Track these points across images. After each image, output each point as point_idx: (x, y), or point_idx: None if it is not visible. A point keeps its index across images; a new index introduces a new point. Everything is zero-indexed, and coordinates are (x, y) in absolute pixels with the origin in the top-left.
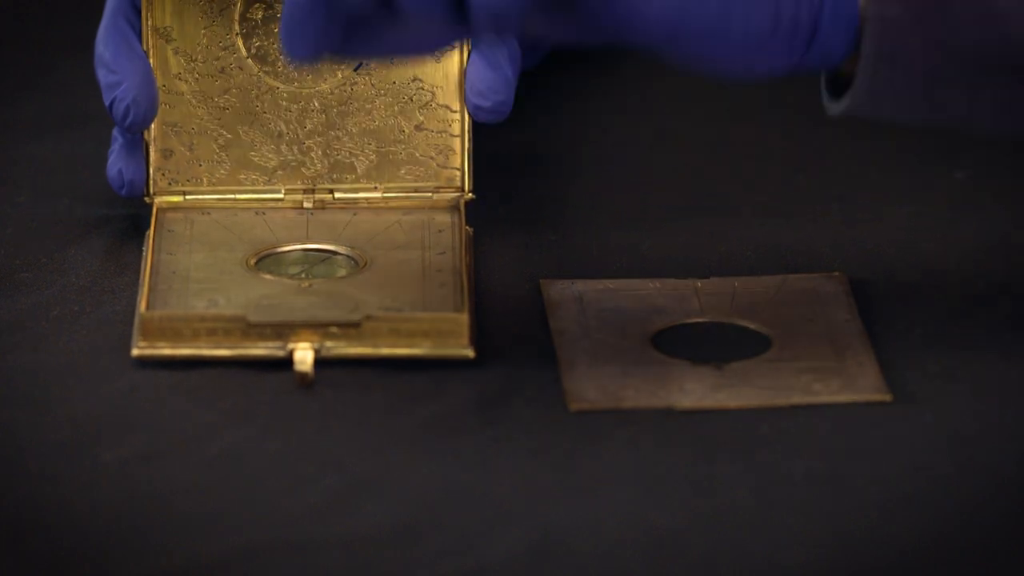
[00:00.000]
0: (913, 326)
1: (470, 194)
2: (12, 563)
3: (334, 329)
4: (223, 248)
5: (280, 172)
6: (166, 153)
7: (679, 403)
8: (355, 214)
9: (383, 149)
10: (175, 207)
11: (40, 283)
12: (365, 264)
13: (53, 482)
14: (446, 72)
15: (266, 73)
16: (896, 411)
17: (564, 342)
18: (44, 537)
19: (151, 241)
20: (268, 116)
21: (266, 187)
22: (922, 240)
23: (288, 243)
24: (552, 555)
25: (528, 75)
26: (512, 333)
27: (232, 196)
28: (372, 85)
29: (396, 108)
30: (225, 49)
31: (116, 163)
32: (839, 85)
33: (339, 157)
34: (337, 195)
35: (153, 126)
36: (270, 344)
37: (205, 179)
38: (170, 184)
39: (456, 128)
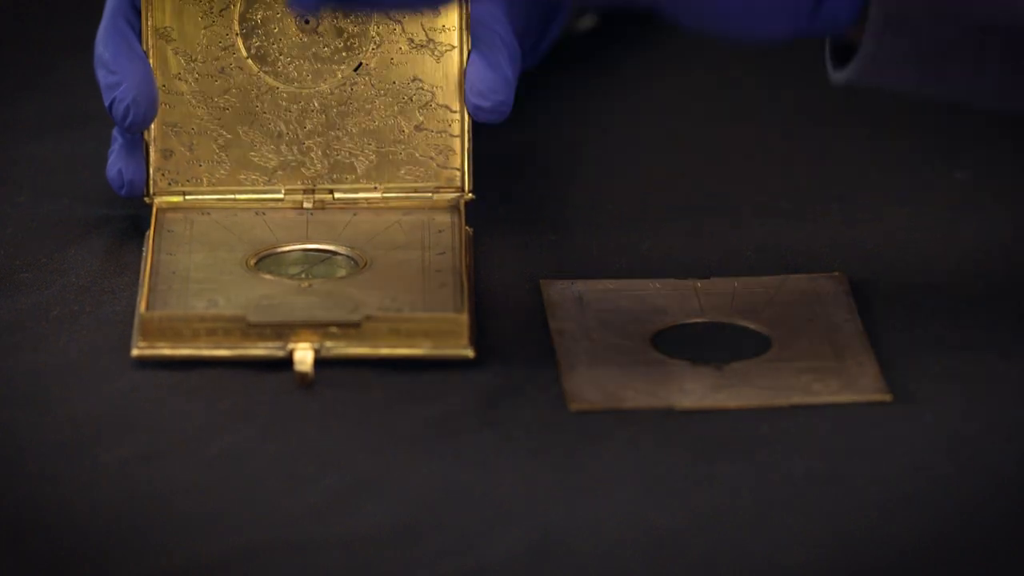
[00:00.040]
0: (913, 326)
1: (470, 194)
2: (12, 563)
3: (334, 329)
4: (223, 248)
5: (280, 172)
6: (166, 153)
7: (679, 403)
8: (355, 214)
9: (383, 149)
10: (175, 207)
11: (40, 283)
12: (365, 264)
13: (53, 482)
14: (446, 72)
15: (266, 73)
16: (896, 411)
17: (564, 342)
18: (44, 537)
19: (151, 241)
20: (268, 116)
21: (266, 187)
22: (922, 240)
23: (288, 243)
24: (552, 555)
25: (528, 75)
26: (512, 333)
27: (232, 196)
28: (372, 85)
29: (396, 108)
30: (225, 49)
31: (116, 163)
32: (844, 54)
33: (339, 157)
34: (337, 195)
35: (153, 126)
36: (270, 344)
37: (205, 179)
38: (170, 184)
39: (456, 128)
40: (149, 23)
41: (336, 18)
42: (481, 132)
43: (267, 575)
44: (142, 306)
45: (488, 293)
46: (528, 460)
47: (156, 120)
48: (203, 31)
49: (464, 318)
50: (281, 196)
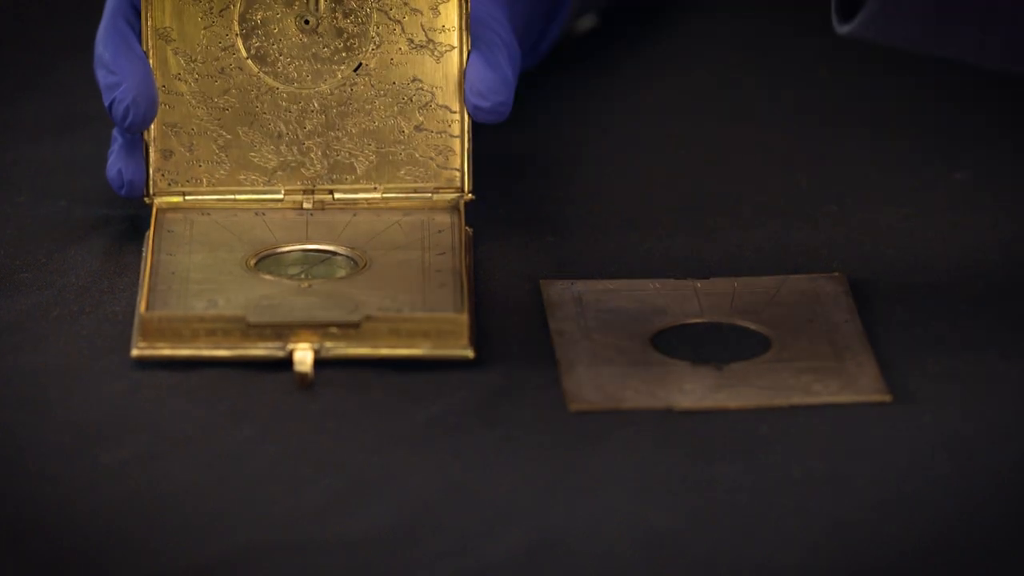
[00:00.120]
0: (913, 326)
1: (470, 195)
2: (12, 563)
3: (334, 330)
4: (223, 249)
5: (280, 173)
6: (166, 154)
7: (679, 403)
8: (355, 215)
9: (383, 150)
10: (175, 208)
11: (40, 284)
12: (365, 265)
13: (53, 482)
14: (446, 73)
15: (266, 74)
16: (896, 411)
17: (564, 342)
18: (44, 537)
19: (151, 242)
20: (268, 117)
21: (266, 188)
22: (922, 240)
23: (288, 244)
24: (552, 555)
25: (528, 75)
26: (512, 333)
27: (232, 197)
28: (372, 86)
29: (396, 109)
30: (225, 50)
31: (116, 164)
32: (850, 4)
33: (339, 158)
34: (337, 196)
35: (153, 127)
36: (270, 345)
37: (205, 180)
38: (170, 185)
39: (456, 129)
40: (149, 23)
41: (336, 18)
42: (481, 132)
43: (267, 575)
44: (142, 306)
45: (488, 293)
46: (528, 460)
47: (156, 120)
48: (203, 31)
49: (464, 318)
50: (281, 196)
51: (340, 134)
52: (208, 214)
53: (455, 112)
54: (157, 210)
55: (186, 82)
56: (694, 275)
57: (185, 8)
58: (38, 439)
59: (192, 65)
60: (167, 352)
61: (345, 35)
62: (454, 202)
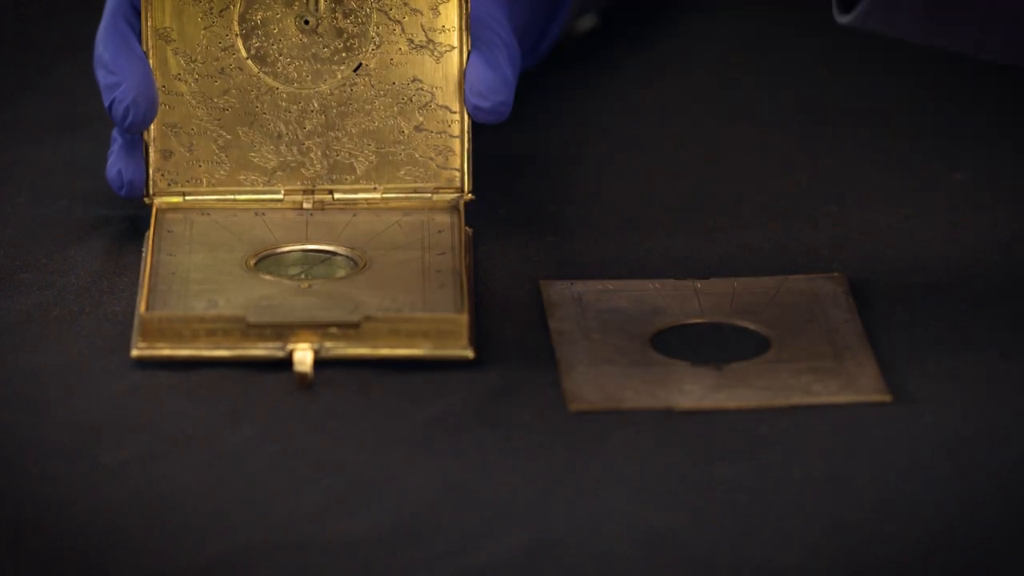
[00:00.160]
0: (913, 326)
1: (470, 195)
2: (12, 563)
3: (333, 330)
4: (222, 249)
5: (280, 173)
6: (166, 154)
7: (678, 404)
8: (354, 215)
9: (383, 150)
10: (175, 208)
11: (40, 284)
12: (364, 265)
13: (53, 482)
14: (445, 73)
15: (266, 74)
16: (896, 411)
17: (563, 343)
18: (44, 537)
19: (151, 242)
20: (268, 117)
21: (265, 188)
22: (922, 240)
23: (287, 244)
24: (552, 555)
25: (528, 75)
26: (511, 334)
27: (232, 197)
28: (372, 86)
29: (396, 109)
30: (224, 50)
31: (116, 164)
32: None
33: (338, 158)
34: (336, 196)
35: (153, 127)
36: (269, 345)
37: (205, 180)
38: (170, 185)
39: (456, 129)
40: (149, 24)
41: (336, 18)
42: (481, 132)
43: (267, 575)
44: (142, 307)
45: (488, 293)
46: (528, 460)
47: (156, 121)
48: (203, 32)
49: (464, 318)
50: (281, 197)
51: (340, 134)
52: (208, 214)
53: (455, 112)
54: (157, 210)
55: (186, 82)
56: (694, 275)
57: (185, 8)
58: (38, 439)
59: (192, 65)
60: (167, 352)
61: (345, 35)
62: (454, 202)
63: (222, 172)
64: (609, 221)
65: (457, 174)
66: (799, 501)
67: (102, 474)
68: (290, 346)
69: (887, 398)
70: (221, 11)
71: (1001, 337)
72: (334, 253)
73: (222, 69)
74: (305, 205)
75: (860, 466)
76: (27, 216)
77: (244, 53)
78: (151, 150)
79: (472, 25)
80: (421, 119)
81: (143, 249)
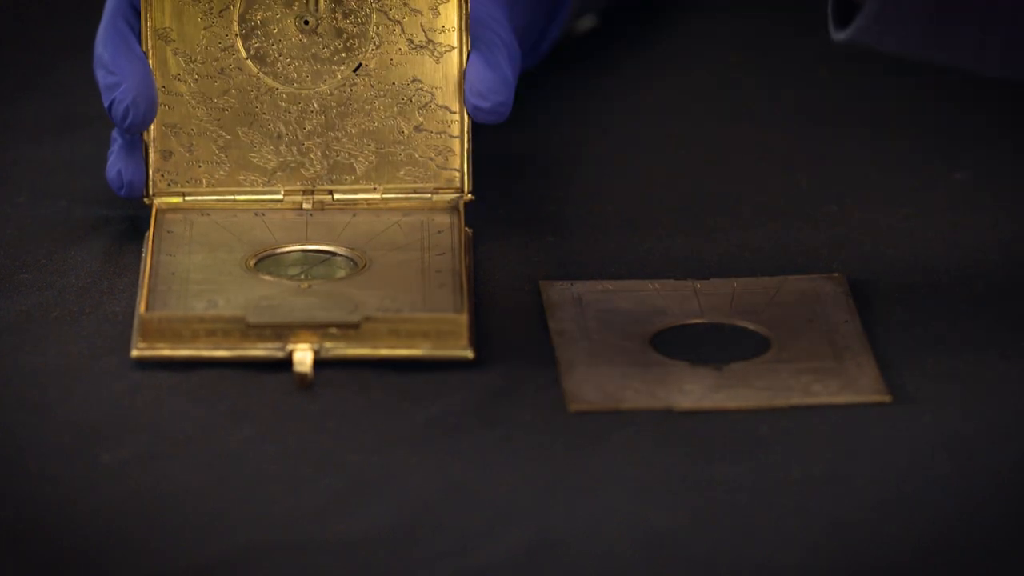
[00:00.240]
0: (913, 326)
1: (469, 195)
2: (12, 563)
3: (333, 330)
4: (222, 249)
5: (279, 173)
6: (165, 154)
7: (678, 404)
8: (354, 215)
9: (382, 150)
10: (174, 208)
11: (40, 284)
12: (364, 265)
13: (53, 483)
14: (445, 73)
15: (265, 74)
16: (896, 411)
17: (563, 343)
18: (44, 537)
19: (150, 242)
20: (267, 117)
21: (265, 188)
22: (922, 240)
23: (287, 244)
24: (552, 555)
25: (528, 75)
26: (511, 334)
27: (231, 197)
28: (371, 86)
29: (395, 109)
30: (224, 50)
31: (115, 164)
32: (846, 11)
33: (338, 158)
34: (336, 196)
35: (152, 127)
36: (269, 345)
37: (204, 180)
38: (169, 185)
39: (455, 129)
40: (148, 24)
41: (336, 19)
42: (481, 132)
43: (267, 575)
44: (142, 307)
45: (488, 293)
46: (528, 460)
47: (155, 121)
48: (203, 32)
49: (463, 319)
50: (280, 197)
51: (340, 134)
52: (208, 215)
53: (455, 112)
54: (157, 211)
55: (186, 83)
56: (694, 275)
57: (185, 8)
58: (38, 439)
59: (192, 66)
60: (167, 352)
61: (345, 35)
62: (454, 202)
63: (222, 172)
64: (609, 221)
65: (457, 174)
66: (799, 501)
67: (102, 474)
68: (290, 346)
69: (887, 398)
70: (221, 11)
71: (1001, 337)
72: (334, 253)
73: (222, 69)
74: (305, 205)
75: (860, 466)
76: (27, 216)
77: (244, 53)
78: (151, 150)
79: (472, 25)
80: (421, 119)
81: (143, 249)
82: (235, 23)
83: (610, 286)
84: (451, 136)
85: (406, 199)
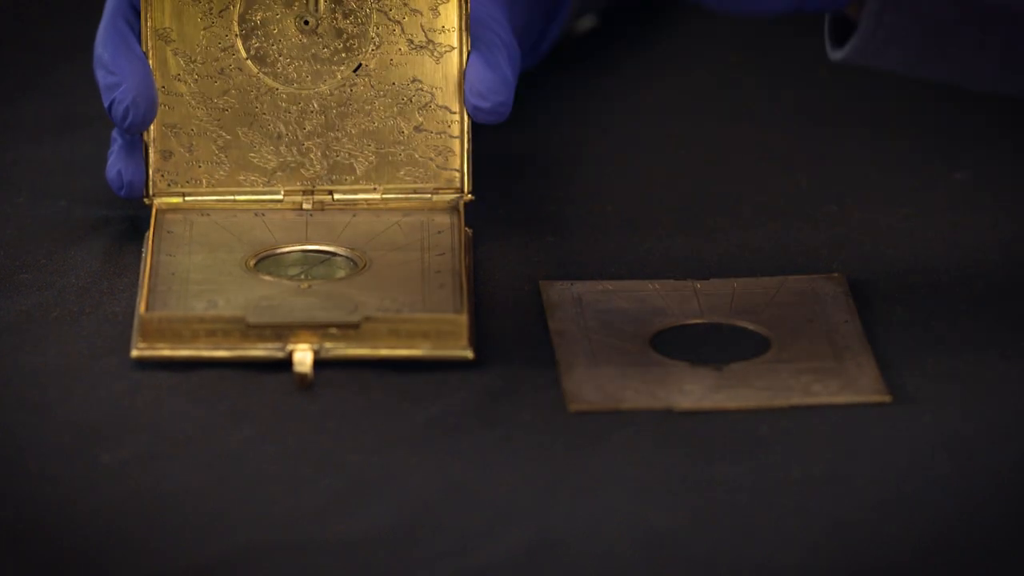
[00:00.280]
0: (913, 326)
1: (469, 195)
2: (12, 563)
3: (333, 330)
4: (222, 249)
5: (279, 173)
6: (165, 154)
7: (678, 404)
8: (354, 215)
9: (382, 150)
10: (174, 208)
11: (40, 284)
12: (364, 265)
13: (53, 483)
14: (445, 73)
15: (265, 74)
16: (896, 411)
17: (563, 343)
18: (44, 537)
19: (150, 242)
20: (267, 117)
21: (265, 188)
22: (922, 240)
23: (287, 244)
24: (552, 555)
25: (528, 75)
26: (511, 334)
27: (231, 197)
28: (371, 86)
29: (395, 109)
30: (224, 50)
31: (115, 164)
32: (842, 31)
33: (338, 158)
34: (336, 196)
35: (152, 127)
36: (269, 345)
37: (204, 180)
38: (169, 185)
39: (455, 129)
40: (148, 24)
41: (336, 19)
42: (481, 132)
43: (267, 575)
44: (142, 307)
45: (488, 294)
46: (528, 460)
47: (155, 121)
48: (202, 32)
49: (463, 319)
50: (280, 197)
51: (340, 135)
52: (208, 215)
53: (455, 113)
54: (157, 211)
55: (186, 83)
56: (694, 275)
57: (185, 9)
58: (38, 439)
59: (192, 66)
60: (167, 353)
61: (345, 36)
62: (454, 203)
63: (222, 173)
64: (609, 221)
65: (457, 175)
66: (799, 501)
67: (102, 474)
68: (290, 346)
69: (887, 398)
70: (221, 11)
71: (1001, 337)
72: (334, 254)
73: (222, 69)
74: (305, 206)
75: (860, 466)
76: (27, 216)
77: (244, 54)
78: (151, 151)
79: (472, 25)
80: (421, 119)
81: (143, 249)
82: (235, 23)
83: (610, 286)
84: (451, 136)
85: (406, 199)
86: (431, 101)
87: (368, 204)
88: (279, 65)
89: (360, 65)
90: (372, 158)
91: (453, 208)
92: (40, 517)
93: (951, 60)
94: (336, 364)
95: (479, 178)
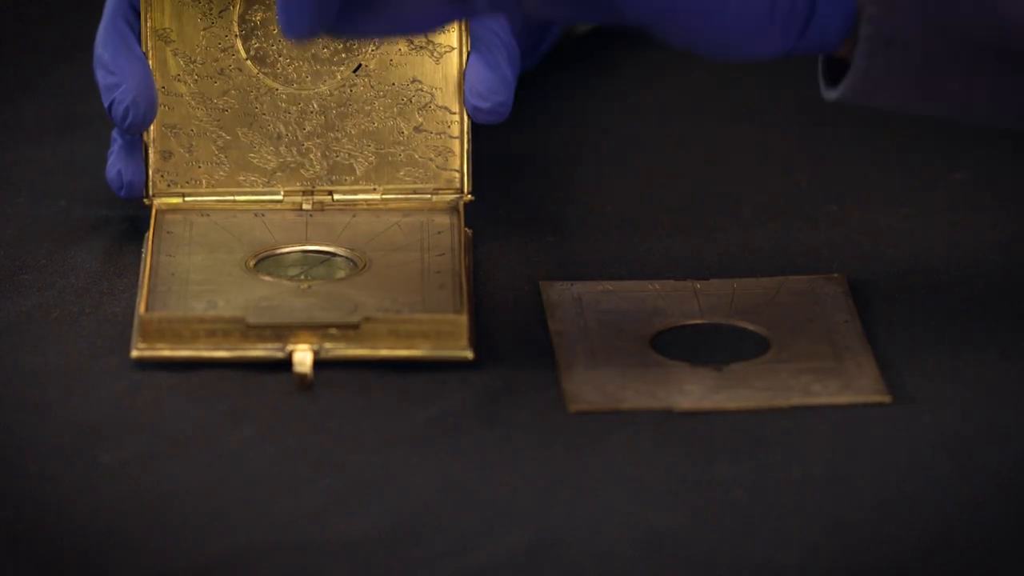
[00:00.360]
0: (913, 326)
1: (469, 195)
2: (12, 563)
3: (333, 330)
4: (222, 250)
5: (279, 174)
6: (165, 155)
7: (678, 404)
8: (354, 216)
9: (382, 151)
10: (174, 209)
11: (40, 285)
12: (364, 266)
13: (53, 483)
14: (445, 74)
15: (265, 75)
16: (896, 412)
17: (563, 343)
18: (44, 537)
19: (150, 243)
20: (267, 118)
21: (265, 189)
22: (922, 240)
23: (287, 245)
24: (552, 555)
25: (528, 75)
26: (511, 334)
27: (231, 198)
28: (371, 87)
29: (395, 110)
30: (224, 51)
31: (115, 164)
32: (836, 70)
33: (338, 159)
34: (336, 197)
35: (152, 127)
36: (269, 346)
37: (204, 181)
38: (169, 186)
39: (455, 130)
40: (148, 24)
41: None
42: (481, 133)
43: (267, 575)
44: (141, 307)
45: (488, 294)
46: (528, 460)
47: (155, 121)
48: (202, 32)
49: (463, 319)
50: (280, 197)
51: (339, 135)
52: (207, 215)
53: (455, 113)
54: (156, 211)
55: (185, 83)
56: (694, 275)
57: (184, 9)
58: (38, 439)
59: (191, 66)
60: (167, 353)
61: None
62: (453, 203)
63: (222, 173)
64: (609, 221)
65: (457, 175)
66: (799, 501)
67: (102, 474)
68: (290, 347)
69: (887, 398)
70: (221, 12)
71: (1001, 337)
72: (334, 254)
73: (222, 70)
74: (305, 206)
75: (860, 466)
76: (27, 216)
77: (244, 54)
78: (151, 151)
79: (472, 25)
80: (421, 120)
81: (143, 250)
82: (235, 24)
83: (610, 286)
84: (451, 137)
85: (406, 200)
86: (431, 101)
87: (368, 204)
88: (279, 65)
89: (360, 65)
90: (372, 158)
91: (453, 208)
92: (40, 517)
93: (944, 98)
94: (336, 364)
95: (479, 178)
